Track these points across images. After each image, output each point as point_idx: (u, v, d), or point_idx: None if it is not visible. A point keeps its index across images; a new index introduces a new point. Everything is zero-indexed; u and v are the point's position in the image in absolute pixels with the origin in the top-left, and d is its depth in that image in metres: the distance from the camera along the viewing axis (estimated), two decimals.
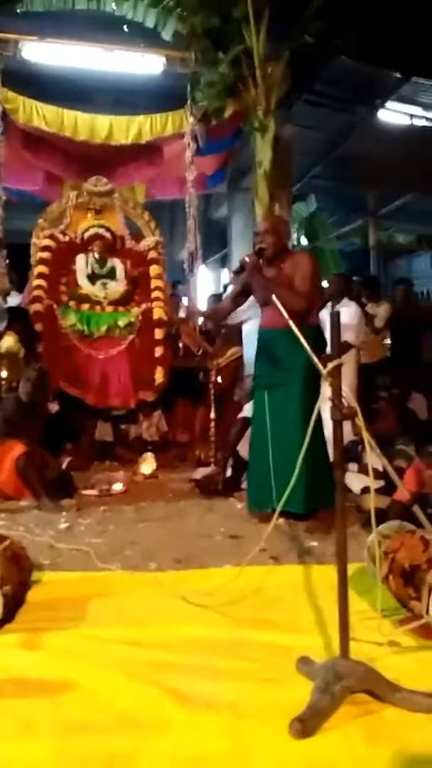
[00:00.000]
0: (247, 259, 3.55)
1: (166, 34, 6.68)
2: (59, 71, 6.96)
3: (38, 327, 5.56)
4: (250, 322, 5.33)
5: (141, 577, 2.76)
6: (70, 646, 2.05)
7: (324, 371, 1.68)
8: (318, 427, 3.05)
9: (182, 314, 7.11)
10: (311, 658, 1.91)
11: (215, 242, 12.07)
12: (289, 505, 3.13)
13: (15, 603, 2.30)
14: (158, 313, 6.15)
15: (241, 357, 5.35)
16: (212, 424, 5.07)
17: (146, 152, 7.15)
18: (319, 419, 1.89)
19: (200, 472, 4.69)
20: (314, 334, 3.47)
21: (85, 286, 6.29)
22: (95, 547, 3.15)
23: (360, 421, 1.70)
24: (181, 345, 6.53)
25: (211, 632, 2.19)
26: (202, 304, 7.41)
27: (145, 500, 4.33)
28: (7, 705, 1.71)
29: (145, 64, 7.05)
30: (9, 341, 4.32)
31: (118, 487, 4.59)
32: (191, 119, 6.85)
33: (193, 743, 1.55)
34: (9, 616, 2.22)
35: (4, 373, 4.24)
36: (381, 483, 3.53)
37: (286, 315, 2.07)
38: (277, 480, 3.53)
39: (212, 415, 5.05)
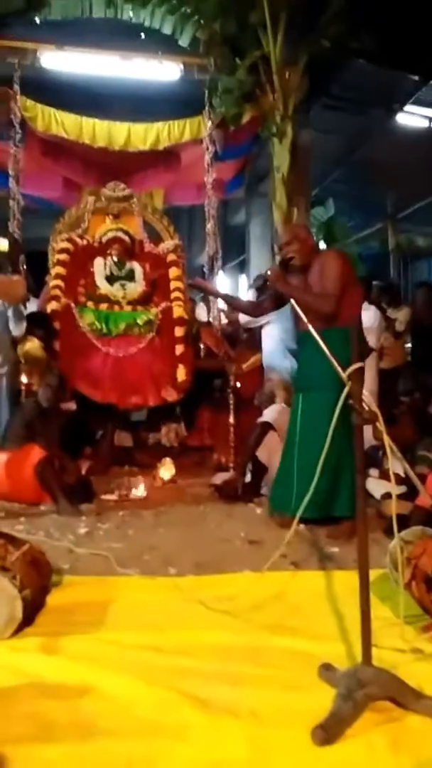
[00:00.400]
0: (269, 272, 3.50)
1: (184, 41, 6.71)
2: (77, 79, 7.01)
3: (56, 325, 5.58)
4: (269, 326, 5.32)
5: (160, 582, 2.75)
6: (89, 651, 2.05)
7: (344, 375, 1.67)
8: (345, 434, 3.02)
9: (203, 317, 7.09)
10: (333, 665, 1.89)
11: (233, 248, 12.06)
12: (310, 511, 3.12)
13: (34, 607, 2.30)
14: (178, 311, 6.10)
15: (261, 363, 5.34)
16: (231, 429, 5.05)
17: (164, 158, 7.18)
18: (347, 425, 1.87)
19: (220, 477, 4.67)
20: (345, 336, 3.42)
21: (103, 287, 6.30)
22: (114, 551, 3.15)
23: (381, 425, 1.68)
24: (201, 346, 6.48)
25: (231, 638, 2.17)
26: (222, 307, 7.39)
27: (164, 505, 4.32)
28: (27, 708, 1.71)
29: (162, 71, 7.08)
30: (31, 346, 4.34)
31: (137, 492, 4.59)
32: (209, 125, 6.86)
33: (213, 749, 1.54)
34: (28, 620, 2.22)
35: (25, 378, 4.26)
36: (403, 489, 3.49)
37: (305, 319, 2.04)
38: (300, 484, 3.50)
39: (231, 420, 5.03)
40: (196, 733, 1.59)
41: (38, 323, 5.39)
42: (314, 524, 3.51)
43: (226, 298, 4.55)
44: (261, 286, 3.66)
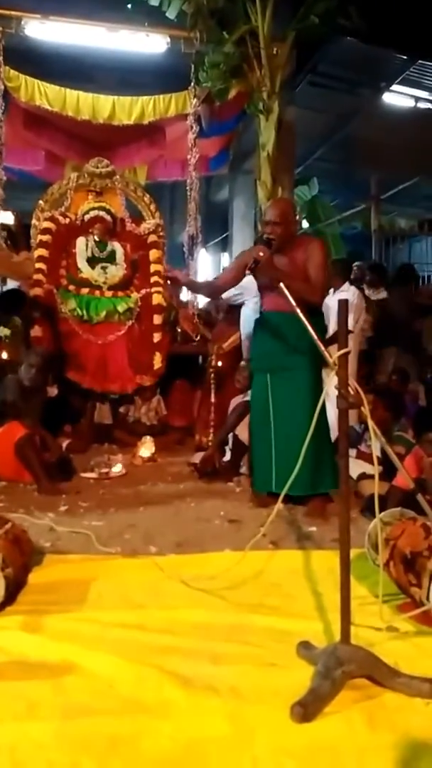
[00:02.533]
0: (261, 254, 3.48)
1: (171, 13, 6.57)
2: (62, 49, 6.86)
3: (38, 311, 5.56)
4: (247, 303, 5.31)
5: (141, 560, 2.77)
6: (71, 629, 2.06)
7: (331, 360, 1.68)
8: (322, 412, 3.06)
9: (182, 298, 7.08)
10: (312, 643, 1.93)
11: (216, 225, 11.98)
12: (293, 489, 3.16)
13: (16, 585, 2.31)
14: (157, 298, 6.13)
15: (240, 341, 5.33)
16: (212, 408, 5.06)
17: (149, 133, 7.09)
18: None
19: (199, 456, 4.69)
20: (315, 320, 3.47)
21: (84, 270, 6.26)
22: (95, 529, 3.16)
23: (366, 410, 1.69)
24: (179, 330, 6.51)
25: (211, 616, 2.20)
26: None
27: (144, 483, 4.34)
28: (10, 687, 1.73)
29: (148, 44, 6.95)
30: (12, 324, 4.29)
31: (117, 470, 4.60)
32: (195, 100, 6.77)
33: (195, 726, 1.57)
34: (10, 598, 2.23)
35: (5, 355, 4.23)
36: (379, 469, 3.54)
37: (294, 304, 2.05)
38: (279, 463, 3.55)
39: (212, 399, 5.04)
40: (178, 710, 1.62)
41: (17, 300, 5.35)
42: (294, 503, 3.56)
43: (188, 285, 4.49)
44: (252, 267, 3.66)
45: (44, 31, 6.63)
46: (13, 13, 6.38)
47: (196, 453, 4.97)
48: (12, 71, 6.39)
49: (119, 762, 1.44)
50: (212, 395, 5.05)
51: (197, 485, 4.32)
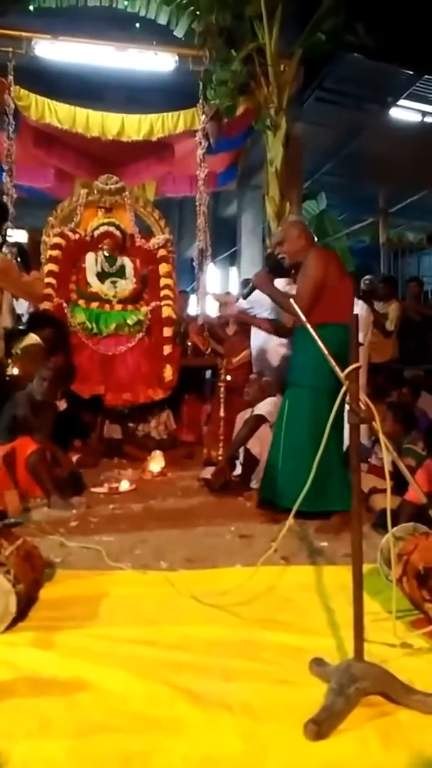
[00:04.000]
0: (254, 276, 3.61)
1: (179, 32, 6.67)
2: (71, 69, 6.96)
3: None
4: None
5: (152, 576, 2.76)
6: (83, 645, 2.06)
7: (342, 375, 1.68)
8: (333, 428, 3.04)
9: (191, 313, 7.12)
10: (325, 660, 1.91)
11: (224, 240, 12.05)
12: (300, 505, 3.15)
13: (28, 601, 2.30)
14: (167, 311, 6.15)
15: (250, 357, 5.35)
16: (221, 422, 5.06)
17: (157, 150, 7.16)
18: (336, 420, 1.90)
19: (209, 471, 4.69)
20: (321, 334, 3.46)
21: (94, 285, 6.30)
22: (106, 545, 3.16)
23: (377, 424, 1.69)
24: (189, 344, 6.53)
25: (223, 633, 2.19)
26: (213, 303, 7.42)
27: (155, 498, 4.34)
28: (22, 704, 1.72)
29: (157, 62, 7.03)
30: (30, 339, 4.32)
31: (127, 485, 4.60)
32: (203, 117, 6.85)
33: (208, 744, 1.56)
34: (22, 614, 2.23)
35: (16, 371, 4.24)
36: (390, 483, 3.52)
37: (303, 319, 2.06)
38: (285, 478, 3.55)
39: (222, 413, 5.04)
40: (191, 727, 1.61)
41: (44, 323, 5.43)
42: (303, 518, 3.54)
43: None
44: (247, 294, 3.78)
45: (54, 50, 6.73)
46: (23, 33, 6.48)
47: (206, 467, 4.96)
48: (22, 90, 6.49)
49: None
50: (222, 410, 5.05)
51: (208, 500, 4.31)
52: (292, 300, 2.25)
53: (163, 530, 3.54)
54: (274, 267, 3.95)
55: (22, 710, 1.69)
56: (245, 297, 4.18)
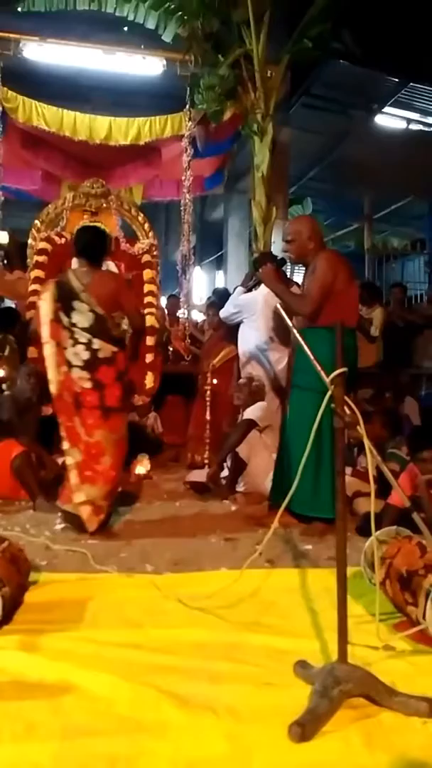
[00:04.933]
0: (261, 271, 3.60)
1: (167, 36, 6.69)
2: (59, 71, 6.96)
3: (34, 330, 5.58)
4: (246, 322, 5.35)
5: (138, 579, 2.77)
6: (69, 649, 2.06)
7: (327, 380, 1.70)
8: (327, 434, 3.05)
9: (180, 314, 7.13)
10: (309, 662, 1.93)
11: (211, 244, 12.10)
12: (296, 506, 3.22)
13: (13, 605, 2.30)
14: (150, 320, 6.13)
15: (235, 356, 5.36)
16: (207, 425, 5.07)
17: (145, 154, 7.18)
18: (329, 426, 1.92)
19: (195, 475, 4.70)
20: (327, 337, 3.47)
21: None
22: (91, 548, 3.16)
23: (362, 429, 1.72)
24: (171, 350, 6.54)
25: (209, 635, 2.20)
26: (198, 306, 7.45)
27: (140, 501, 4.34)
28: (8, 707, 1.72)
29: (144, 66, 7.06)
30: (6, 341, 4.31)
31: None
32: (190, 122, 6.87)
33: (193, 746, 1.57)
34: (7, 617, 2.23)
35: (2, 372, 4.23)
36: (373, 487, 3.56)
37: (290, 324, 2.08)
38: (287, 480, 3.57)
39: (207, 416, 5.05)
40: (177, 730, 1.62)
41: (11, 318, 5.38)
42: (296, 518, 3.56)
43: None
44: (252, 286, 3.77)
45: (42, 52, 6.73)
46: (11, 35, 6.48)
47: (192, 471, 4.97)
48: (10, 92, 6.48)
49: None
50: (207, 412, 5.06)
51: (193, 503, 4.32)
52: (279, 306, 2.25)
53: (148, 533, 3.54)
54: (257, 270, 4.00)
55: (8, 713, 1.69)
56: (250, 290, 4.20)
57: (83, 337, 3.47)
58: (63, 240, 6.38)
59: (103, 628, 2.25)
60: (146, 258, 6.48)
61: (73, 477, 3.41)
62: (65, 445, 3.45)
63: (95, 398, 3.47)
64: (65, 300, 3.48)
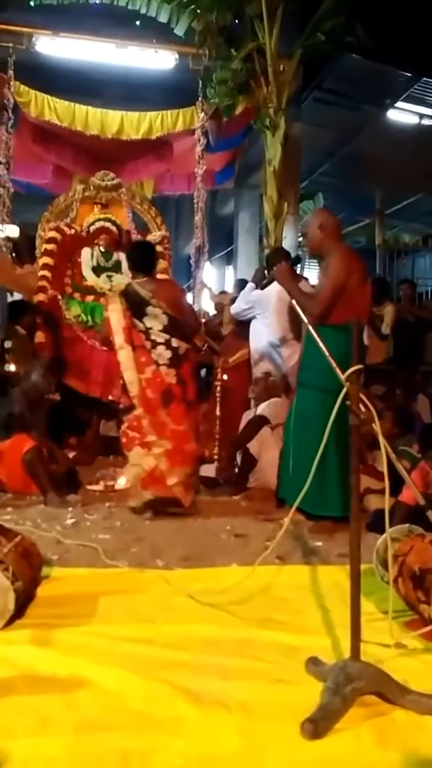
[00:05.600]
0: (274, 269, 3.64)
1: (179, 30, 6.66)
2: (71, 65, 6.94)
3: (41, 317, 5.59)
4: (258, 319, 5.35)
5: (149, 574, 2.78)
6: (81, 643, 2.07)
7: (343, 377, 1.70)
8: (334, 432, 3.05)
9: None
10: (321, 659, 1.93)
11: (220, 239, 12.04)
12: (304, 504, 3.20)
13: (26, 599, 2.31)
14: None
15: (249, 357, 5.35)
16: (217, 421, 5.07)
17: (156, 148, 7.16)
18: (337, 424, 1.91)
19: (204, 470, 4.69)
20: (337, 335, 3.45)
21: (90, 278, 6.29)
22: (102, 543, 3.17)
23: (377, 426, 1.71)
24: None
25: (220, 632, 2.21)
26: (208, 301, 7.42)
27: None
28: (21, 702, 1.73)
29: (157, 60, 7.03)
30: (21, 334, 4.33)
31: (122, 482, 4.59)
32: (202, 115, 6.85)
33: (206, 742, 1.57)
34: (20, 611, 2.24)
35: (13, 367, 4.25)
36: (384, 484, 3.55)
37: (305, 320, 2.07)
38: (292, 478, 3.56)
39: (218, 412, 5.05)
40: (189, 726, 1.62)
41: (23, 311, 5.38)
42: (306, 516, 3.55)
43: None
44: (266, 284, 3.78)
45: (54, 47, 6.71)
46: (24, 29, 6.46)
47: (202, 465, 4.97)
48: (22, 86, 6.48)
49: None
50: (218, 408, 5.06)
51: (203, 499, 4.31)
52: (293, 301, 2.25)
53: (159, 528, 3.56)
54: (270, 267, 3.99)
55: (21, 708, 1.70)
56: (263, 288, 4.22)
57: (161, 338, 3.87)
58: (72, 230, 6.39)
59: (114, 623, 2.26)
60: (158, 249, 6.48)
61: (163, 464, 3.83)
62: (151, 438, 3.84)
63: (180, 392, 3.91)
64: (136, 307, 3.87)
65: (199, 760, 1.50)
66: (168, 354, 3.87)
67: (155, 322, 3.86)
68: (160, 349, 3.86)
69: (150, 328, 3.86)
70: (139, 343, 3.87)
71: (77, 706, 1.71)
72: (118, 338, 3.85)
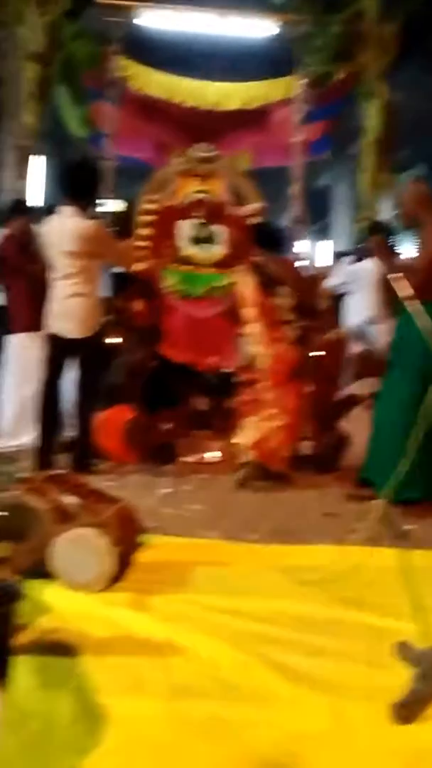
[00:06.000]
0: (371, 242, 3.60)
1: None
2: (171, 37, 6.97)
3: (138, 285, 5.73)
4: (353, 294, 5.25)
5: (241, 547, 2.82)
6: (175, 610, 2.14)
7: None
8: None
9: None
10: (411, 644, 1.92)
11: (315, 212, 11.83)
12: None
13: (124, 563, 2.42)
14: None
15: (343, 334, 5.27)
16: (311, 399, 5.03)
17: (253, 119, 7.08)
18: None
19: (301, 447, 4.67)
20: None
21: (186, 249, 6.36)
22: (195, 513, 3.26)
23: None
24: None
25: (310, 609, 2.22)
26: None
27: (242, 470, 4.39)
28: (119, 662, 1.81)
29: (257, 28, 6.93)
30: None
31: (215, 455, 4.68)
32: (300, 84, 6.72)
33: (297, 719, 1.59)
34: (119, 575, 2.35)
35: (115, 339, 4.40)
36: None
37: (406, 295, 2.02)
38: (382, 461, 3.51)
39: (311, 390, 5.00)
40: (281, 701, 1.65)
41: (124, 285, 5.53)
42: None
43: None
44: (361, 258, 3.75)
45: (156, 19, 6.74)
46: (128, 2, 6.53)
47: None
48: (124, 60, 6.57)
49: (224, 747, 1.47)
50: (312, 385, 5.02)
51: (296, 476, 4.29)
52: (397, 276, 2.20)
53: (250, 502, 3.61)
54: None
55: (119, 668, 1.78)
56: (358, 260, 4.20)
57: (289, 316, 4.11)
58: (170, 203, 6.46)
59: (207, 593, 2.31)
60: (254, 220, 6.46)
61: (276, 436, 3.98)
62: (271, 410, 3.99)
63: (301, 370, 4.17)
64: (267, 285, 4.11)
65: (290, 735, 1.53)
66: (294, 332, 4.08)
67: (284, 300, 4.06)
68: (288, 327, 4.07)
69: (279, 306, 4.05)
70: (270, 319, 4.04)
71: (172, 670, 1.78)
72: (249, 311, 4.06)
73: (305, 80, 6.76)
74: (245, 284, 4.11)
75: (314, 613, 2.18)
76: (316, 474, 4.34)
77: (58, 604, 2.15)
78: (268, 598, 2.30)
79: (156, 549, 2.73)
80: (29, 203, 6.16)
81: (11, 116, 7.41)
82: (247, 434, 4.06)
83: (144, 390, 4.79)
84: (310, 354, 4.97)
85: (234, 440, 4.88)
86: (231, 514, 3.31)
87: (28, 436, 4.38)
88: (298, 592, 2.37)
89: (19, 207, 5.38)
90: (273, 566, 2.57)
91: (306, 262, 7.14)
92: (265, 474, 3.97)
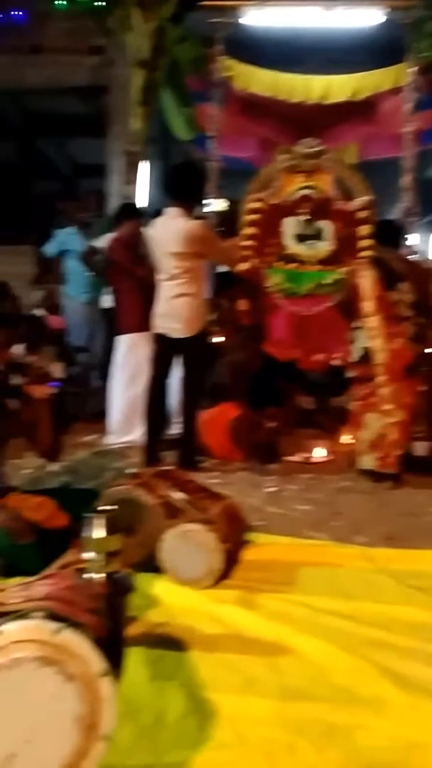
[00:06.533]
0: None
1: None
2: (274, 35, 6.93)
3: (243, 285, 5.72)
4: None
5: (351, 550, 2.75)
6: (283, 610, 2.10)
7: None
8: None
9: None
10: None
11: (426, 204, 11.39)
12: None
13: (232, 561, 2.41)
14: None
15: None
16: (425, 398, 4.83)
17: (360, 110, 6.94)
18: None
19: (417, 448, 4.50)
20: None
21: (292, 246, 6.29)
22: (302, 513, 3.22)
23: None
24: None
25: (424, 616, 2.12)
26: None
27: (350, 471, 4.28)
28: (228, 659, 1.80)
29: (364, 17, 6.77)
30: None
31: (321, 454, 4.60)
32: (410, 72, 6.49)
33: (409, 727, 1.52)
34: (226, 572, 2.34)
35: (220, 338, 4.42)
36: None
37: None
38: None
39: (425, 388, 4.80)
40: (395, 709, 1.58)
41: (229, 284, 5.55)
42: None
43: None
44: None
45: (260, 17, 6.73)
46: (231, 2, 6.56)
47: (412, 443, 4.78)
48: (228, 60, 6.60)
49: (335, 751, 1.43)
50: (428, 382, 4.81)
51: (408, 477, 4.16)
52: None
53: (359, 504, 3.52)
54: None
55: (228, 665, 1.76)
56: None
57: (408, 312, 4.10)
58: (276, 200, 6.40)
59: (316, 595, 2.26)
60: (362, 214, 6.30)
61: (393, 433, 3.94)
62: (388, 407, 3.95)
63: (419, 367, 4.17)
64: (389, 280, 4.15)
65: (405, 744, 1.46)
66: (413, 329, 4.06)
67: (405, 297, 4.05)
68: (407, 323, 4.06)
69: (398, 301, 4.03)
70: (389, 314, 4.03)
71: (281, 671, 1.75)
72: (369, 305, 4.06)
73: (416, 67, 6.53)
74: (365, 278, 4.07)
75: (427, 621, 2.09)
76: (429, 476, 4.17)
77: (166, 599, 2.17)
78: (379, 602, 2.22)
79: (263, 548, 2.71)
80: (138, 207, 6.31)
81: (119, 122, 7.64)
82: (365, 434, 4.01)
83: (249, 388, 4.78)
84: (426, 351, 4.79)
85: (347, 438, 4.80)
86: (339, 516, 3.24)
87: (136, 433, 4.50)
88: (409, 597, 2.27)
89: (128, 211, 5.53)
90: (383, 570, 2.49)
91: (418, 256, 6.91)
92: (377, 475, 3.85)
